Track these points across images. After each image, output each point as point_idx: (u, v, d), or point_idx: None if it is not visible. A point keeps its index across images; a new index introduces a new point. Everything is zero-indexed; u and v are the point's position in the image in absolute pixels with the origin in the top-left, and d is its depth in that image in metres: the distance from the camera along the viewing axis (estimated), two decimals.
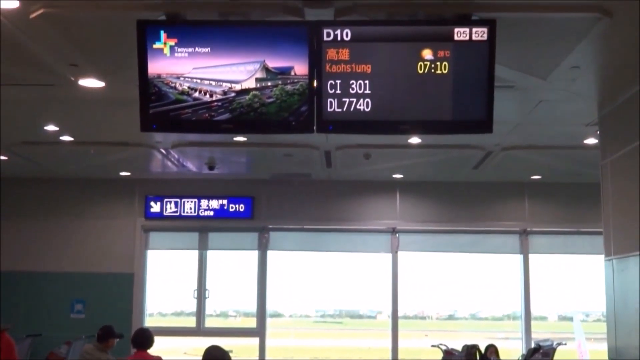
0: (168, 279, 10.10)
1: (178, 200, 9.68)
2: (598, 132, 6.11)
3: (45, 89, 5.57)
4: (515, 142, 7.33)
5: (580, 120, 6.34)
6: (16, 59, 4.81)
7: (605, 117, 5.80)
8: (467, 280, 10.03)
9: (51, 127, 6.87)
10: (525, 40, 4.47)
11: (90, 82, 5.35)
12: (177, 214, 9.68)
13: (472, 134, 4.58)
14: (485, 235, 9.90)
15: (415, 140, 7.11)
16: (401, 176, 9.43)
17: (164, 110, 4.18)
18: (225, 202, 9.68)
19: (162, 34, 4.06)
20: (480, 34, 3.95)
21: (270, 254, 9.95)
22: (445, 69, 4.02)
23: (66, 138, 7.30)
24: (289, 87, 4.11)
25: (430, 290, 10.11)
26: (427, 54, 4.02)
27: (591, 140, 6.91)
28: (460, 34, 3.97)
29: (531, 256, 9.85)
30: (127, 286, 9.69)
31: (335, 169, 8.89)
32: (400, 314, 9.84)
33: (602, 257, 5.73)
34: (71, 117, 6.58)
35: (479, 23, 3.96)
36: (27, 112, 6.37)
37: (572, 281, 9.91)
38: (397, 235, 9.83)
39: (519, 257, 9.87)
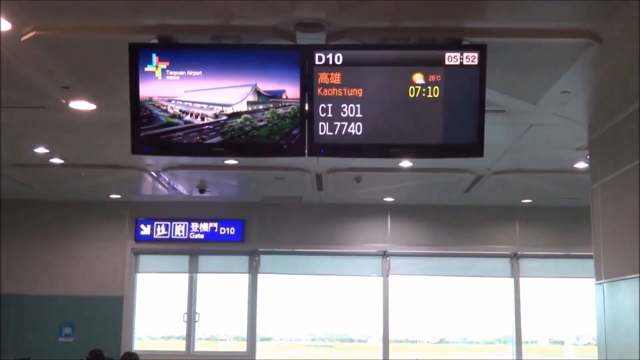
0: (158, 302, 9.97)
1: (168, 223, 9.63)
2: (588, 156, 6.09)
3: (37, 111, 5.53)
4: (506, 166, 7.33)
5: (571, 144, 6.36)
6: (7, 81, 4.78)
7: (595, 141, 5.79)
8: (458, 304, 9.95)
9: (41, 150, 6.82)
10: (515, 65, 4.48)
11: (82, 105, 5.33)
12: (168, 237, 9.62)
13: (463, 157, 4.55)
14: (476, 258, 9.84)
15: (406, 163, 7.09)
16: (392, 199, 9.39)
17: (155, 133, 4.15)
18: (215, 225, 9.63)
19: (154, 57, 4.05)
20: (471, 58, 3.98)
21: (261, 277, 9.87)
22: (436, 93, 4.03)
23: (56, 160, 7.25)
24: (280, 111, 4.10)
25: (421, 313, 10.00)
26: (418, 78, 4.04)
27: (581, 164, 6.93)
28: (452, 58, 3.99)
29: (522, 280, 9.81)
30: (116, 309, 9.58)
31: (327, 192, 8.86)
32: (391, 337, 9.75)
33: (592, 280, 5.69)
34: (62, 140, 6.54)
35: (470, 48, 3.99)
36: (18, 134, 6.31)
37: (563, 305, 9.86)
38: (388, 258, 9.78)
39: (510, 281, 9.84)
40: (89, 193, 9.14)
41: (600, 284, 5.53)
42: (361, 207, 9.69)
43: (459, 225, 9.75)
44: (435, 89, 4.03)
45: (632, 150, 4.91)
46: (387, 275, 9.78)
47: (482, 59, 3.96)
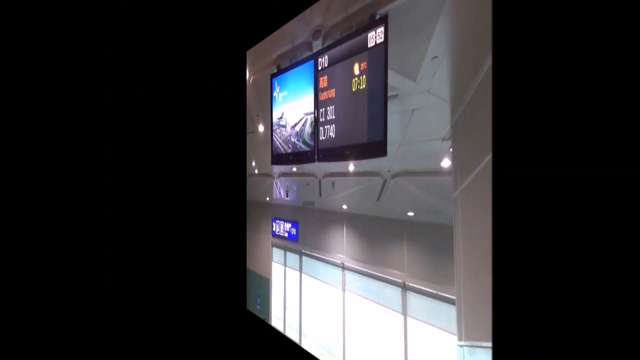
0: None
1: (281, 222, 8.34)
2: (451, 149, 2.17)
3: (251, 134, 5.24)
4: (399, 167, 2.75)
5: (438, 133, 2.32)
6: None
7: (456, 125, 2.16)
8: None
9: (253, 163, 5.21)
10: (401, 32, 2.41)
11: (260, 127, 4.89)
12: (280, 234, 8.45)
13: (375, 157, 2.60)
14: (369, 279, 1.95)
15: (352, 167, 3.31)
16: (345, 207, 4.64)
17: (275, 147, 3.82)
18: (290, 225, 8.15)
19: (275, 84, 3.74)
20: (380, 34, 2.48)
21: (304, 277, 6.73)
22: (364, 84, 2.58)
23: (256, 171, 6.26)
24: (310, 119, 3.32)
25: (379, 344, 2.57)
26: (357, 69, 2.69)
27: (447, 162, 2.31)
28: (371, 39, 2.55)
29: (410, 320, 2.41)
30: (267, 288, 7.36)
31: (321, 198, 3.23)
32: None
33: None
34: (257, 155, 3.53)
35: (378, 22, 2.49)
36: (252, 152, 5.46)
37: None
38: (344, 271, 4.90)
39: (400, 318, 2.44)
40: (261, 195, 7.14)
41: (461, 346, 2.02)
42: (329, 213, 4.91)
43: (372, 240, 2.81)
44: (364, 78, 2.58)
45: (485, 137, 1.95)
46: (344, 290, 4.51)
47: (386, 32, 2.41)
